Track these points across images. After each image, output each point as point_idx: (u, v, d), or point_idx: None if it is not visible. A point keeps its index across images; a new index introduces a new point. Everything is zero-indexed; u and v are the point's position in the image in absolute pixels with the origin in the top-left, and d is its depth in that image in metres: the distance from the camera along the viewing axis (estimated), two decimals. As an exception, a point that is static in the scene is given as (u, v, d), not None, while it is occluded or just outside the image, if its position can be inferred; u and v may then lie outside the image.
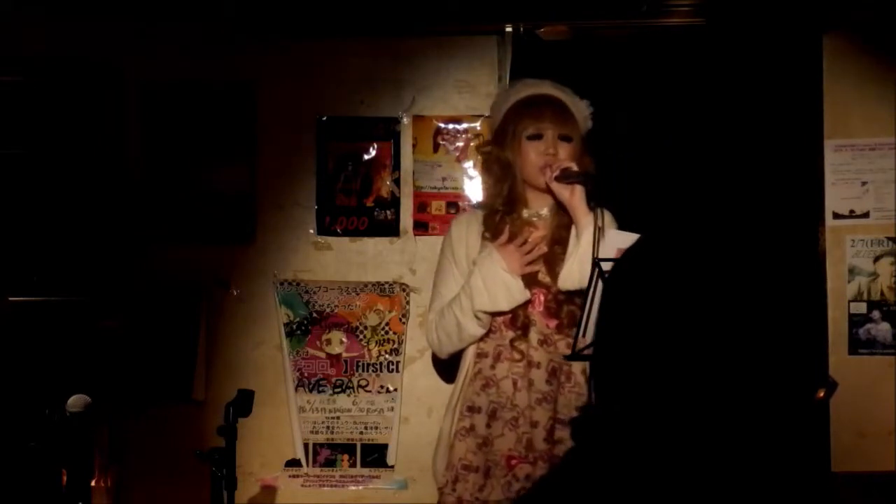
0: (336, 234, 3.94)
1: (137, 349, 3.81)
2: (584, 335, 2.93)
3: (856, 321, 3.82)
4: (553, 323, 3.10)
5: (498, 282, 3.05)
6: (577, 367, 3.07)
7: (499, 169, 3.18)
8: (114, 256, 3.86)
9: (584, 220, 3.02)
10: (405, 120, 3.93)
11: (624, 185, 3.82)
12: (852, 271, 3.81)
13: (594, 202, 3.06)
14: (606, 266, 2.87)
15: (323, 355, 3.91)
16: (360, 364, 3.90)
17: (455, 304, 3.11)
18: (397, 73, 3.93)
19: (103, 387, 3.60)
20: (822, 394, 1.23)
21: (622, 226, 3.16)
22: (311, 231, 3.94)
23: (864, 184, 3.84)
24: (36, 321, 3.80)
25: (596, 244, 2.92)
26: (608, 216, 3.11)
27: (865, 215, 3.84)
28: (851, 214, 3.85)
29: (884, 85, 3.84)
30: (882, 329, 3.82)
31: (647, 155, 3.82)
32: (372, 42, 3.94)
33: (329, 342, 3.92)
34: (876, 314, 3.82)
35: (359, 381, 3.91)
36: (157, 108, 3.93)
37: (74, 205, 3.87)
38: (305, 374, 3.91)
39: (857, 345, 3.81)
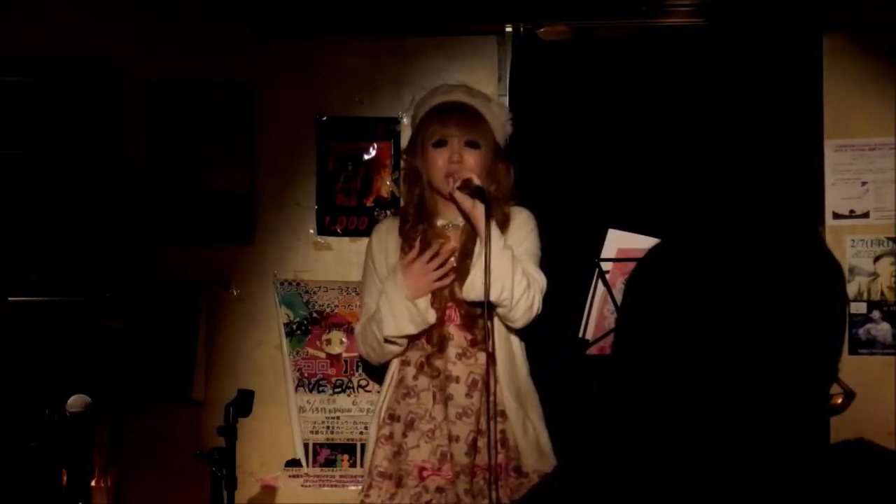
0: (336, 234, 3.94)
1: (137, 349, 3.81)
2: (583, 335, 2.93)
3: (856, 321, 3.82)
4: (469, 336, 3.08)
5: (401, 307, 3.04)
6: (492, 377, 3.05)
7: (411, 177, 3.17)
8: (114, 256, 3.86)
9: (485, 231, 2.97)
10: (405, 120, 3.93)
11: (622, 184, 3.83)
12: (852, 271, 3.81)
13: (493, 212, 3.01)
14: (606, 266, 2.88)
15: (323, 355, 3.91)
16: (360, 364, 3.90)
17: (374, 321, 3.11)
18: (397, 73, 3.93)
19: (103, 387, 3.60)
20: (839, 400, 1.23)
21: (621, 226, 3.15)
22: (311, 231, 3.94)
23: (864, 184, 3.84)
24: (36, 321, 3.79)
25: (487, 257, 2.89)
26: (522, 216, 3.10)
27: (865, 215, 3.84)
28: (851, 214, 3.85)
29: (884, 85, 3.83)
30: (882, 329, 3.82)
31: (646, 155, 3.81)
32: (372, 42, 3.93)
33: (329, 342, 3.92)
34: (876, 314, 3.82)
35: (359, 381, 3.91)
36: (157, 108, 3.93)
37: (74, 205, 3.87)
38: (305, 374, 3.91)
39: (857, 345, 3.81)
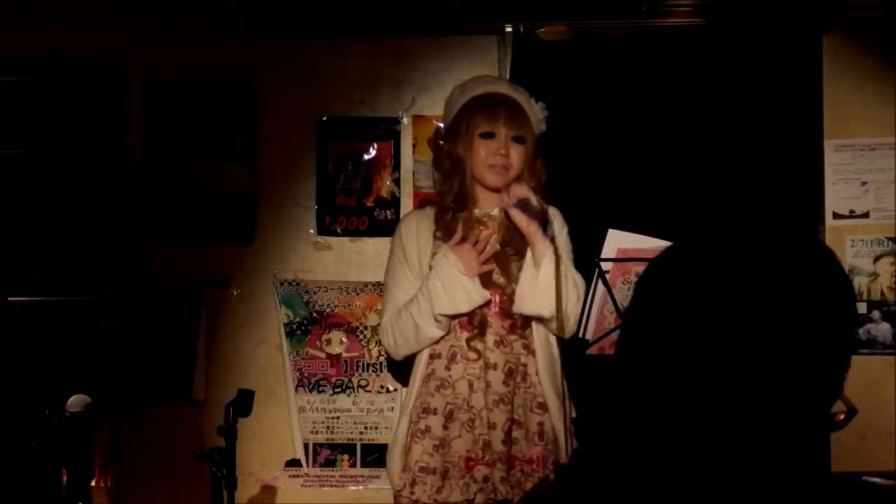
0: (336, 234, 3.94)
1: (137, 349, 3.81)
2: (583, 335, 2.93)
3: (856, 321, 3.82)
4: (507, 323, 3.08)
5: (456, 284, 3.02)
6: (532, 368, 3.06)
7: (450, 164, 3.15)
8: (114, 256, 3.86)
9: (541, 248, 2.98)
10: (405, 120, 3.93)
11: (622, 184, 3.83)
12: (852, 271, 3.81)
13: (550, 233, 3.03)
14: (606, 266, 2.88)
15: (323, 355, 3.91)
16: (360, 364, 3.90)
17: (412, 306, 3.08)
18: (397, 73, 3.93)
19: (103, 387, 3.60)
20: (842, 417, 1.23)
21: (621, 226, 3.15)
22: (311, 231, 3.94)
23: (864, 184, 3.84)
24: (36, 321, 3.79)
25: (558, 271, 2.92)
26: (558, 219, 3.12)
27: (865, 215, 3.84)
28: (851, 214, 3.85)
29: (884, 85, 3.84)
30: (882, 329, 3.82)
31: (646, 155, 3.81)
32: (372, 42, 3.94)
33: (329, 342, 3.92)
34: (876, 314, 3.82)
35: (359, 381, 3.91)
36: (157, 108, 3.93)
37: (74, 205, 3.87)
38: (305, 374, 3.91)
39: (857, 345, 3.81)
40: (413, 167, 3.92)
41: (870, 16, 3.81)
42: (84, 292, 3.82)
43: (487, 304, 3.07)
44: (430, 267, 3.10)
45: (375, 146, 3.94)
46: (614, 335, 2.85)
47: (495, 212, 3.13)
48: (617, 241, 2.92)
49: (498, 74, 3.88)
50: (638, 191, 3.79)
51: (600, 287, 2.95)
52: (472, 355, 3.06)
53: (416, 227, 3.18)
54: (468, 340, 3.06)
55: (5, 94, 3.89)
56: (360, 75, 3.94)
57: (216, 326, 3.92)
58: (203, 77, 3.92)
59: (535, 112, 3.17)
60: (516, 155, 3.08)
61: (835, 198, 3.85)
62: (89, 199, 3.87)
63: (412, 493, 3.06)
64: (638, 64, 3.85)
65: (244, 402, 3.00)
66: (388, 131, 3.94)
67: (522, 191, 3.02)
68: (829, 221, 3.84)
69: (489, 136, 3.08)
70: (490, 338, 3.06)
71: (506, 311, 3.07)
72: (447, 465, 3.05)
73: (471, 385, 3.05)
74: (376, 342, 3.90)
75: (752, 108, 3.78)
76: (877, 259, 3.84)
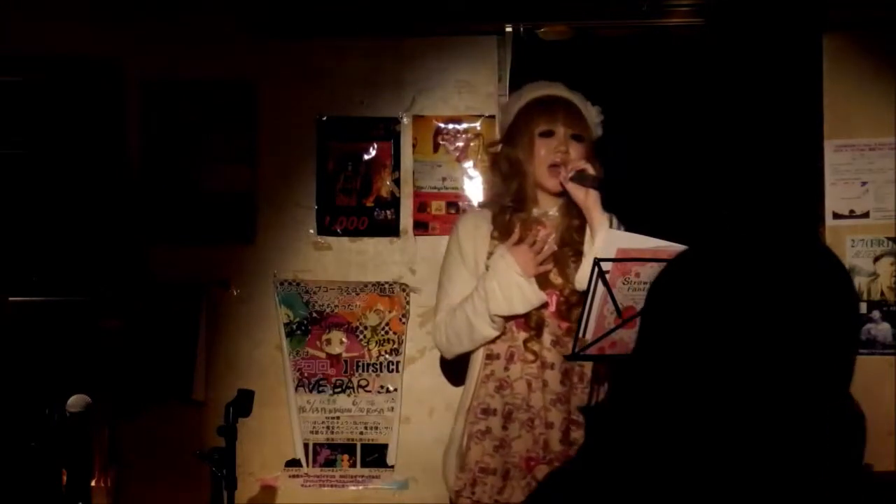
0: (336, 234, 3.94)
1: (138, 349, 3.81)
2: (583, 335, 2.92)
3: (856, 321, 3.81)
4: (564, 325, 3.07)
5: (513, 285, 3.01)
6: (589, 367, 3.05)
7: (507, 167, 3.16)
8: (114, 256, 3.86)
9: (599, 222, 3.00)
10: (405, 120, 3.93)
11: (622, 184, 3.83)
12: (852, 271, 3.81)
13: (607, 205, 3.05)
14: (606, 266, 2.87)
15: (323, 355, 3.91)
16: (360, 364, 3.90)
17: (467, 305, 3.07)
18: (397, 74, 3.93)
19: (103, 387, 3.60)
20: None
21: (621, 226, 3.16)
22: (311, 231, 3.94)
23: (864, 184, 3.84)
24: (36, 321, 3.79)
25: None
26: (615, 220, 3.12)
27: (865, 215, 3.84)
28: (851, 214, 3.85)
29: (884, 85, 3.84)
30: (882, 329, 3.82)
31: (645, 155, 3.81)
32: (372, 42, 3.94)
33: (329, 342, 3.92)
34: (876, 314, 3.82)
35: (359, 381, 3.91)
36: (157, 108, 3.93)
37: (75, 205, 3.87)
38: (305, 374, 3.91)
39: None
40: (413, 167, 3.92)
41: (870, 16, 3.81)
42: (84, 292, 3.82)
43: (545, 304, 3.06)
44: (487, 267, 3.09)
45: (375, 146, 3.94)
46: (614, 335, 2.85)
47: (553, 211, 3.13)
48: (617, 241, 2.91)
49: (498, 75, 3.88)
50: (638, 190, 3.79)
51: (600, 287, 2.94)
52: (529, 356, 3.05)
53: (474, 227, 3.18)
54: (525, 342, 3.06)
55: (5, 94, 3.90)
56: (360, 75, 3.94)
57: (216, 326, 3.92)
58: (203, 77, 3.92)
59: (592, 115, 3.19)
60: (575, 153, 3.09)
61: (835, 198, 3.85)
62: (89, 199, 3.88)
63: (472, 493, 3.05)
64: (638, 64, 3.85)
65: (244, 402, 3.00)
66: (388, 131, 3.94)
67: (579, 163, 3.03)
68: (829, 221, 3.84)
69: (548, 134, 3.10)
70: (547, 338, 3.06)
71: (562, 313, 3.07)
72: (508, 466, 3.04)
73: (529, 385, 3.04)
74: (376, 342, 3.90)
75: (753, 108, 3.78)
76: (877, 259, 3.84)
